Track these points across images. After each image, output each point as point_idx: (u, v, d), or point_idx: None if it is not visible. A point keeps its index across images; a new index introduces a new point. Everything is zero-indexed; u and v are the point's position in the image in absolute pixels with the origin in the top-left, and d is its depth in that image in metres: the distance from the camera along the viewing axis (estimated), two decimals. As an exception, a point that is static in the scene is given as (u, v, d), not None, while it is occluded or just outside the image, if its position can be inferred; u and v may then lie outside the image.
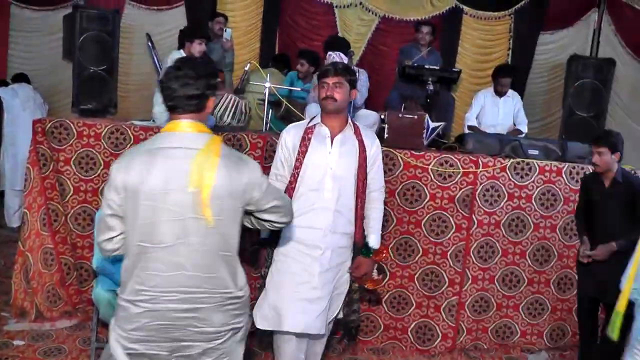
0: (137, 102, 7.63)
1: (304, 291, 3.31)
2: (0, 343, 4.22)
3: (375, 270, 3.56)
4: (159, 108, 5.04)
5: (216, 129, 4.76)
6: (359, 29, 8.51)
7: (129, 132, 4.57)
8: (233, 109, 4.89)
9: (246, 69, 5.32)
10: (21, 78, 7.66)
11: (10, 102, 7.34)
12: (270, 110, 5.71)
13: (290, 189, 3.38)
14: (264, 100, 5.34)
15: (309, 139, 3.39)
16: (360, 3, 8.40)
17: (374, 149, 3.50)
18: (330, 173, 3.35)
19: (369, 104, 5.65)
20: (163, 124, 4.82)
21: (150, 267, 2.32)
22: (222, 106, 4.88)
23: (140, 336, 2.34)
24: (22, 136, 6.98)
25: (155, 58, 6.69)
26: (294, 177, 3.38)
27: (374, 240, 3.50)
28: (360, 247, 3.48)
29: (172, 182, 2.29)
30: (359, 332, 4.16)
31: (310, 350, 3.59)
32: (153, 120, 5.11)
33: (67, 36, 6.64)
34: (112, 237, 2.44)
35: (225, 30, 6.65)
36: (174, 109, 2.41)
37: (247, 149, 4.47)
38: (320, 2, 8.43)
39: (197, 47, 5.22)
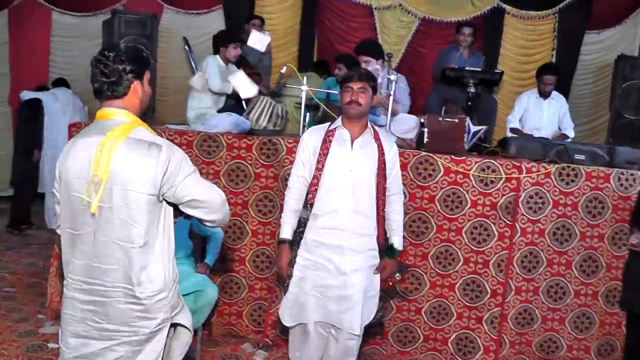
0: (175, 105, 7.63)
1: (329, 291, 3.39)
2: (36, 345, 4.23)
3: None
4: (193, 112, 5.02)
5: (252, 132, 4.71)
6: (398, 31, 8.36)
7: (163, 136, 4.52)
8: (269, 112, 4.80)
9: (282, 71, 5.23)
10: (60, 82, 7.75)
11: (51, 106, 7.41)
12: (308, 114, 5.62)
13: (312, 191, 3.44)
14: (300, 104, 5.25)
15: (330, 142, 3.45)
16: (400, 5, 8.25)
17: (392, 153, 3.56)
18: (351, 175, 3.40)
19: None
20: (198, 127, 4.83)
21: (69, 253, 2.37)
22: (257, 110, 4.81)
23: (65, 319, 2.41)
24: (62, 140, 7.03)
25: (192, 62, 6.67)
26: (316, 179, 3.43)
27: (397, 242, 3.56)
28: (383, 248, 3.53)
29: (82, 170, 2.29)
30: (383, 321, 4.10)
31: (345, 346, 3.53)
32: (188, 125, 5.08)
33: (106, 41, 6.69)
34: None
35: (264, 34, 6.59)
36: (97, 93, 2.39)
37: (284, 153, 4.40)
38: (359, 4, 8.31)
39: (233, 52, 5.19)
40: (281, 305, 3.51)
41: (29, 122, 7.34)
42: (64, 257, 2.41)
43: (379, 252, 3.51)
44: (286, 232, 3.51)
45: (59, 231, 2.51)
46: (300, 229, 3.47)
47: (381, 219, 3.50)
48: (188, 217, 2.48)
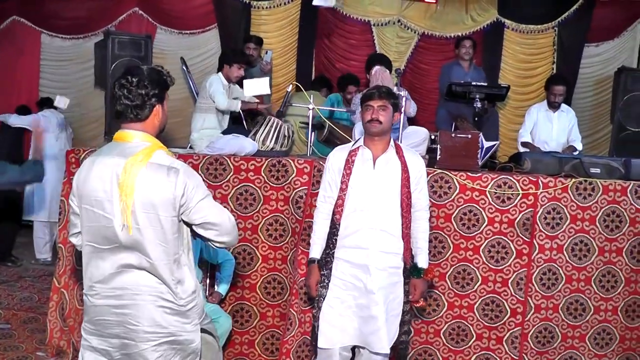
0: (173, 128, 7.37)
1: (362, 311, 3.37)
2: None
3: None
4: (197, 134, 4.86)
5: (259, 154, 4.56)
6: (398, 47, 8.27)
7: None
8: (276, 133, 4.67)
9: (288, 90, 5.10)
10: (47, 103, 7.32)
11: (47, 128, 6.95)
12: (312, 134, 5.49)
13: (338, 211, 3.44)
14: (307, 123, 5.11)
15: (353, 161, 3.46)
16: (399, 21, 8.16)
17: (418, 169, 3.53)
18: (374, 193, 3.40)
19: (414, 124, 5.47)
20: (203, 150, 4.67)
21: (96, 264, 2.46)
22: (264, 131, 4.67)
23: (92, 329, 2.49)
24: (55, 166, 6.68)
25: (190, 82, 6.53)
26: (341, 199, 3.44)
27: (422, 261, 3.54)
28: (409, 268, 3.50)
29: (105, 190, 2.38)
30: (408, 353, 4.05)
31: None
32: (190, 147, 4.91)
33: (99, 63, 6.51)
34: (77, 233, 2.58)
35: (267, 53, 6.47)
36: (119, 116, 2.47)
37: (294, 175, 4.26)
38: (358, 20, 8.23)
39: (236, 72, 5.01)
40: (319, 326, 3.44)
41: (13, 149, 6.91)
42: (87, 268, 2.50)
43: (403, 271, 3.47)
44: (315, 252, 3.55)
45: (72, 239, 2.64)
46: (331, 251, 3.45)
47: (406, 236, 3.46)
48: (197, 235, 2.57)
